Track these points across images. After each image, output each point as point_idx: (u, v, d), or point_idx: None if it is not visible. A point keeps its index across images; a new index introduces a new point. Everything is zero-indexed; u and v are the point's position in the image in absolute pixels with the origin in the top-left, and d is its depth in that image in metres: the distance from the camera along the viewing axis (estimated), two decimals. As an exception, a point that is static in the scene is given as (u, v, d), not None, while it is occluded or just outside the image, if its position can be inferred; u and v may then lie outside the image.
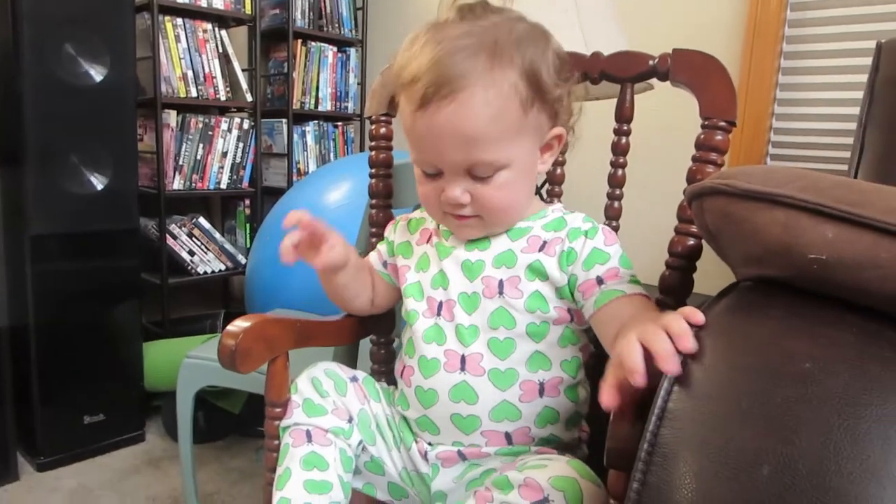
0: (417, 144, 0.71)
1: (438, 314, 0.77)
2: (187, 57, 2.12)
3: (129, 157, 1.77)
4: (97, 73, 1.67)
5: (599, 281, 0.70)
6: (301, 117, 2.52)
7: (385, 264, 0.88)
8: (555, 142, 0.76)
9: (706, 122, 0.78)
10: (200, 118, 2.18)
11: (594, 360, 0.81)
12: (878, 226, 0.43)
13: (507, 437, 0.73)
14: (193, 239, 2.21)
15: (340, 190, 1.83)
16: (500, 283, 0.74)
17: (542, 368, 0.73)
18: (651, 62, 0.82)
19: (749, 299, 0.51)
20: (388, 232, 0.89)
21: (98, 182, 1.71)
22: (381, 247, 0.89)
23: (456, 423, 0.73)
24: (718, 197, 0.53)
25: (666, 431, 0.45)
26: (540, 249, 0.74)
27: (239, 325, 0.75)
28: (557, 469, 0.62)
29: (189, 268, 2.20)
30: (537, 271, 0.73)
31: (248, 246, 2.38)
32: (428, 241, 0.82)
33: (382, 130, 1.00)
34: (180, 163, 2.15)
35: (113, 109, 1.71)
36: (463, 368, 0.73)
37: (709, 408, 0.44)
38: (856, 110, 1.12)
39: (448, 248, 0.78)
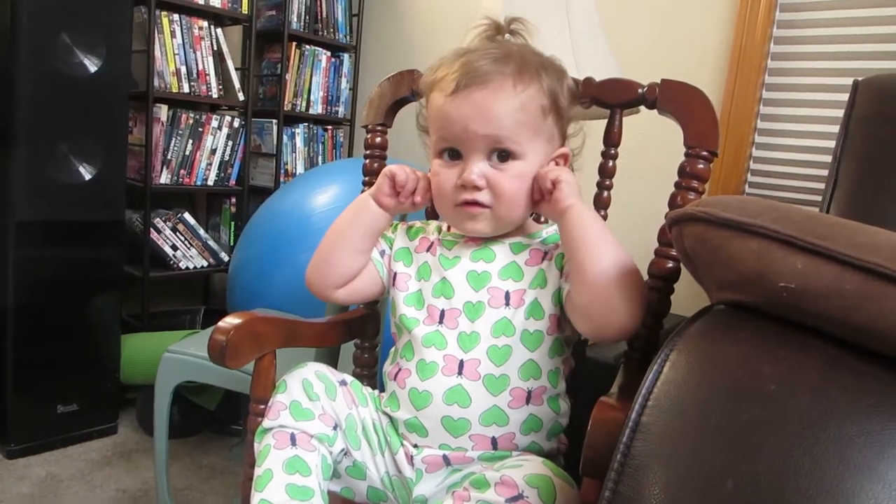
0: (443, 124, 0.77)
1: (441, 322, 0.79)
2: (182, 53, 2.12)
3: (118, 149, 1.77)
4: (92, 64, 1.67)
5: None
6: (291, 119, 2.53)
7: (382, 253, 0.87)
8: (560, 161, 0.81)
9: (689, 151, 0.81)
10: (191, 114, 2.18)
11: (574, 375, 0.85)
12: (843, 259, 0.46)
13: (493, 441, 0.76)
14: (177, 234, 2.21)
15: (328, 194, 1.85)
16: (507, 295, 0.78)
17: (532, 377, 0.77)
18: (640, 90, 0.85)
19: (722, 322, 0.54)
20: (388, 231, 0.89)
21: (86, 172, 1.70)
22: (381, 239, 0.89)
23: (446, 425, 0.75)
24: (697, 224, 0.56)
25: (638, 444, 0.48)
26: (542, 260, 0.80)
27: (230, 321, 0.77)
28: (532, 468, 0.65)
29: (171, 262, 2.20)
30: (539, 282, 0.78)
31: (232, 244, 2.38)
32: (429, 250, 0.85)
33: (378, 140, 1.03)
34: (168, 157, 2.15)
35: (105, 101, 1.72)
36: (460, 373, 0.76)
37: (679, 423, 0.47)
38: (832, 144, 1.17)
39: (452, 259, 0.82)
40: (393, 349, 0.87)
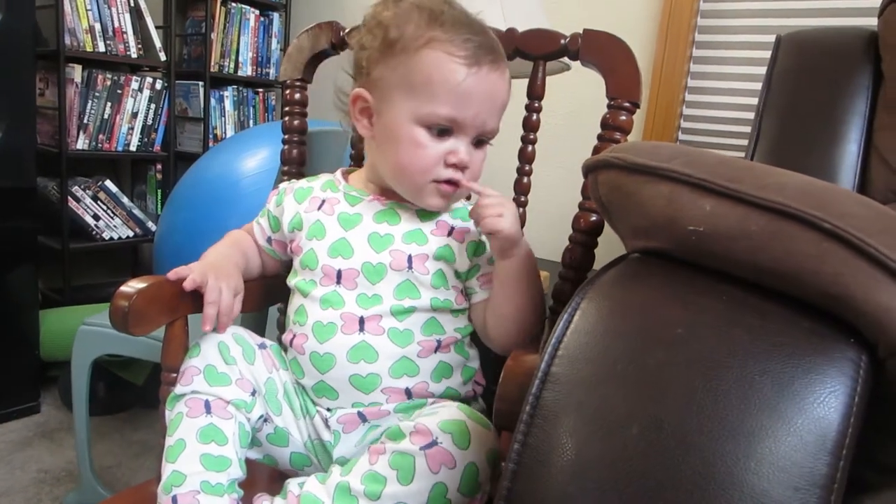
0: (458, 101, 0.71)
1: (338, 282, 0.76)
2: (95, 9, 1.99)
3: (26, 111, 1.66)
4: (-10, 19, 1.55)
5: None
6: (219, 81, 2.42)
7: (270, 240, 0.86)
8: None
9: (612, 103, 0.80)
10: (109, 75, 2.06)
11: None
12: (749, 200, 0.46)
13: (407, 392, 0.74)
14: (99, 203, 2.10)
15: (257, 157, 1.78)
16: (409, 259, 0.76)
17: (436, 333, 0.76)
18: (562, 41, 0.83)
19: (633, 270, 0.53)
20: (271, 204, 0.86)
21: (-11, 136, 1.59)
22: (263, 220, 0.87)
23: (355, 383, 0.73)
24: (611, 170, 0.55)
25: (547, 394, 0.47)
26: (449, 234, 0.78)
27: (133, 285, 0.72)
28: (446, 414, 0.64)
29: (94, 233, 2.09)
30: (445, 254, 0.76)
31: (159, 212, 2.29)
32: (320, 209, 0.81)
33: (297, 96, 0.98)
34: (85, 121, 2.03)
35: (8, 58, 1.59)
36: (362, 329, 0.74)
37: (588, 371, 0.46)
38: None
39: (353, 217, 0.79)
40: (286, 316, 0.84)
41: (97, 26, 2.00)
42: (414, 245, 0.76)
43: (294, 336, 0.78)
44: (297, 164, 0.99)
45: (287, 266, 0.87)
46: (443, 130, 0.73)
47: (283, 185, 0.87)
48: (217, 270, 0.76)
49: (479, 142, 0.76)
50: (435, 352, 0.75)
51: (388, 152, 0.75)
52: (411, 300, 0.75)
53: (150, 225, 2.23)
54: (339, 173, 0.85)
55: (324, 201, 0.81)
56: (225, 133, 2.45)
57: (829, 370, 0.41)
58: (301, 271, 0.80)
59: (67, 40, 1.93)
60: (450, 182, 0.74)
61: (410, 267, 0.75)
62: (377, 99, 0.75)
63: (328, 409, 0.76)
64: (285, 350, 0.82)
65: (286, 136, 0.99)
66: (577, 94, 1.77)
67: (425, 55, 0.71)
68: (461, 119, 0.72)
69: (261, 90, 2.57)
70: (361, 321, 0.74)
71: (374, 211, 0.79)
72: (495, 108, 0.75)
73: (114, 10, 2.04)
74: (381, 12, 0.75)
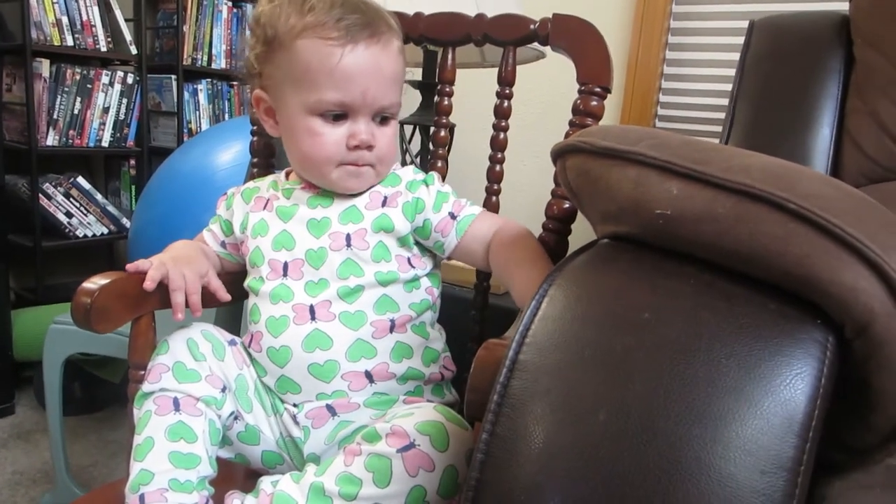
0: (340, 84, 0.71)
1: (285, 275, 0.76)
2: (61, 1, 1.94)
3: (-9, 107, 1.62)
4: (-49, 12, 1.51)
5: (452, 216, 0.78)
6: (193, 74, 2.39)
7: (224, 244, 0.86)
8: None
9: (582, 88, 0.79)
10: (78, 69, 2.02)
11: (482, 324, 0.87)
12: (716, 182, 0.45)
13: (368, 375, 0.73)
14: (71, 200, 2.06)
15: (232, 151, 1.75)
16: (348, 237, 0.76)
17: (389, 310, 0.75)
18: (532, 26, 0.83)
19: (601, 255, 0.52)
20: (221, 209, 0.86)
21: (-46, 133, 1.55)
22: (215, 227, 0.86)
23: (314, 373, 0.73)
24: (578, 155, 0.54)
25: (515, 382, 0.46)
26: (383, 205, 0.77)
27: (96, 281, 0.70)
28: (423, 415, 0.63)
29: (67, 231, 2.05)
30: (383, 225, 0.76)
31: (134, 208, 2.25)
32: (264, 208, 0.81)
33: (264, 85, 0.96)
34: (55, 117, 1.99)
35: (-29, 53, 1.56)
36: (313, 318, 0.73)
37: (555, 358, 0.45)
38: (733, 87, 1.18)
39: (290, 208, 0.79)
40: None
41: (64, 19, 1.96)
42: (350, 224, 0.76)
43: (251, 336, 0.77)
44: (265, 155, 0.97)
45: (245, 267, 0.86)
46: (337, 115, 0.73)
47: (231, 190, 0.88)
48: (176, 259, 0.76)
49: (384, 118, 0.76)
50: (391, 332, 0.75)
51: (292, 146, 0.77)
52: (356, 278, 0.74)
53: (125, 221, 2.20)
54: (283, 172, 0.86)
55: (268, 200, 0.82)
56: (200, 127, 2.41)
57: (796, 352, 0.41)
58: (251, 270, 0.80)
59: (34, 34, 1.88)
60: (357, 163, 0.75)
61: (349, 245, 0.75)
62: (273, 97, 0.77)
63: (295, 405, 0.75)
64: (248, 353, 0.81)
65: (255, 128, 0.97)
66: (554, 85, 1.77)
67: (300, 45, 0.71)
68: (350, 101, 0.72)
69: (235, 83, 2.53)
70: (312, 309, 0.74)
71: (307, 197, 0.79)
72: (385, 82, 0.73)
73: (81, 2, 2.00)
74: (258, 11, 0.76)
